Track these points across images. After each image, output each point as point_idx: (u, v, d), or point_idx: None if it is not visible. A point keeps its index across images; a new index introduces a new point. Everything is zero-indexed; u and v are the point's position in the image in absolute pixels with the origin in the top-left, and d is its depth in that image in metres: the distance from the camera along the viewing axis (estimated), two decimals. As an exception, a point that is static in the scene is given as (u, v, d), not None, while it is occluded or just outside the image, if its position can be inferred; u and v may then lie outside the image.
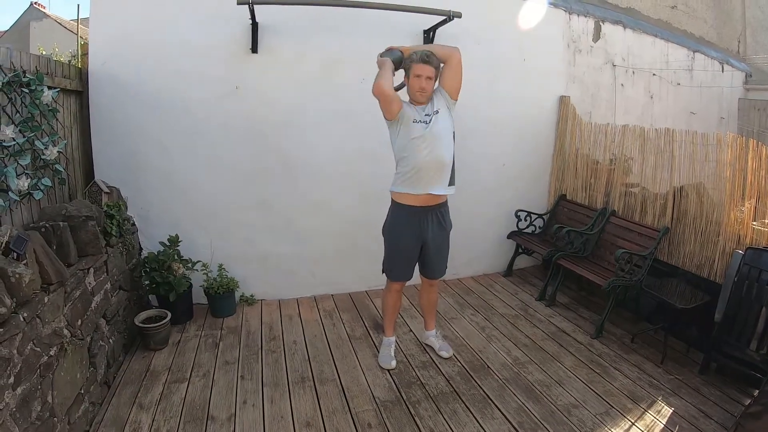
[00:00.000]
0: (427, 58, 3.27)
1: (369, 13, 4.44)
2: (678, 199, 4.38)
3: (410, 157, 3.29)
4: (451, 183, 3.42)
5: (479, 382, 3.52)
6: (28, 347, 2.27)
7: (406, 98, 3.40)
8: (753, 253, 3.55)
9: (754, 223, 3.75)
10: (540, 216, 5.78)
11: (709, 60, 7.81)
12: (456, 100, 3.39)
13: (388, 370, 3.66)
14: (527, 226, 5.74)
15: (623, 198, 5.00)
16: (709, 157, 4.16)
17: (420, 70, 3.26)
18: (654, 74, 6.80)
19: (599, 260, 4.84)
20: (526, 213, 5.70)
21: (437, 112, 3.30)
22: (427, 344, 4.03)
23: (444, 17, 4.57)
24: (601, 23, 6.09)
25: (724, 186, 3.98)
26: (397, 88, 3.33)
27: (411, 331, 4.30)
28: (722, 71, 8.10)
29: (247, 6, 4.00)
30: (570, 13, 5.78)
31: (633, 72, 6.52)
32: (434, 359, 3.84)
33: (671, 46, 7.07)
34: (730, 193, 3.91)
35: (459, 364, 3.77)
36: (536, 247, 5.38)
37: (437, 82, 3.40)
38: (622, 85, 6.41)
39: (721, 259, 3.97)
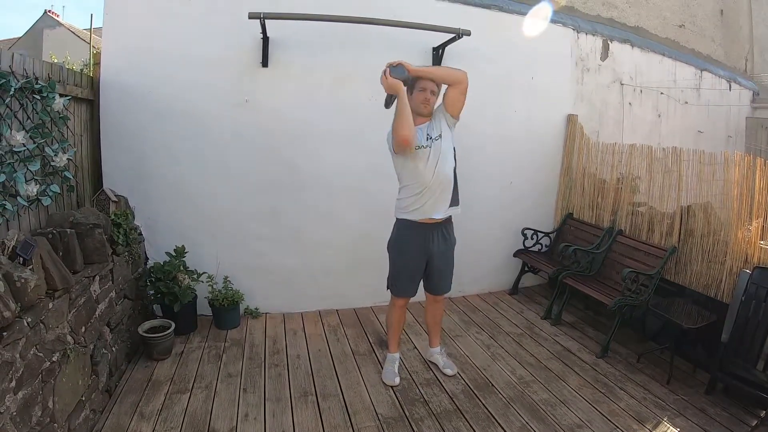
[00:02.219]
0: None
1: (379, 30, 4.49)
2: (685, 219, 4.36)
3: (414, 185, 3.37)
4: (454, 203, 3.46)
5: (483, 401, 3.48)
6: (31, 352, 2.27)
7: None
8: (760, 272, 3.53)
9: (762, 242, 3.72)
10: (546, 234, 5.76)
11: (716, 78, 7.82)
12: (458, 119, 3.42)
13: (392, 387, 3.63)
14: (534, 245, 5.72)
15: (630, 217, 4.98)
16: (717, 176, 4.15)
17: (425, 83, 3.33)
18: (662, 93, 6.80)
19: (606, 279, 4.81)
20: (533, 231, 5.68)
21: (440, 136, 3.33)
22: (431, 361, 4.00)
23: (453, 35, 4.62)
24: (609, 42, 6.12)
25: (731, 205, 3.96)
26: (388, 102, 3.34)
27: (415, 347, 4.27)
28: (730, 90, 8.10)
29: (258, 20, 4.05)
30: (578, 32, 5.82)
31: (641, 91, 6.53)
32: (438, 376, 3.81)
33: (679, 65, 7.09)
34: (738, 212, 3.88)
35: (463, 382, 3.73)
36: (542, 265, 5.35)
37: (438, 100, 3.44)
38: (629, 103, 6.42)
39: (729, 279, 3.93)
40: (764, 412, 3.23)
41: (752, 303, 3.50)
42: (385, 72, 3.21)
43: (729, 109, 8.04)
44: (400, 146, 3.21)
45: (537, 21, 5.38)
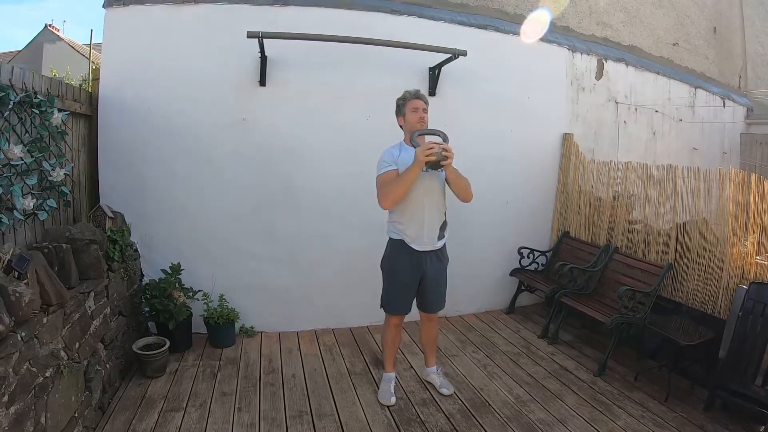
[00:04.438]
0: (418, 93, 3.47)
1: (376, 50, 4.55)
2: (681, 236, 4.37)
3: (403, 207, 3.40)
4: (441, 237, 3.52)
5: (480, 421, 3.44)
6: (24, 367, 2.26)
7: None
8: (757, 287, 3.53)
9: (758, 257, 3.74)
10: (543, 253, 5.75)
11: (710, 96, 7.88)
12: None
13: (388, 407, 3.59)
14: (530, 264, 5.70)
15: (626, 235, 4.98)
16: (712, 192, 4.18)
17: (416, 104, 3.42)
18: (656, 111, 6.87)
19: (602, 297, 4.80)
20: (529, 250, 5.68)
21: (441, 170, 3.38)
22: (427, 381, 3.96)
23: (449, 55, 4.67)
24: (604, 61, 6.20)
25: (726, 221, 3.98)
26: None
27: (411, 367, 4.23)
28: (724, 106, 8.17)
29: (256, 39, 4.10)
30: (573, 52, 5.89)
31: (635, 109, 6.59)
32: (434, 396, 3.77)
33: (673, 83, 7.15)
34: (733, 228, 3.91)
35: (460, 402, 3.69)
36: (539, 284, 5.34)
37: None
38: (624, 122, 6.47)
39: (725, 295, 3.93)
40: (763, 427, 3.20)
41: (749, 318, 3.50)
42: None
43: (723, 125, 8.09)
44: (384, 203, 3.30)
45: (533, 41, 5.46)
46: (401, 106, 3.48)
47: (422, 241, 3.42)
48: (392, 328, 3.72)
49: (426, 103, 3.47)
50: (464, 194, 3.42)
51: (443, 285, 3.67)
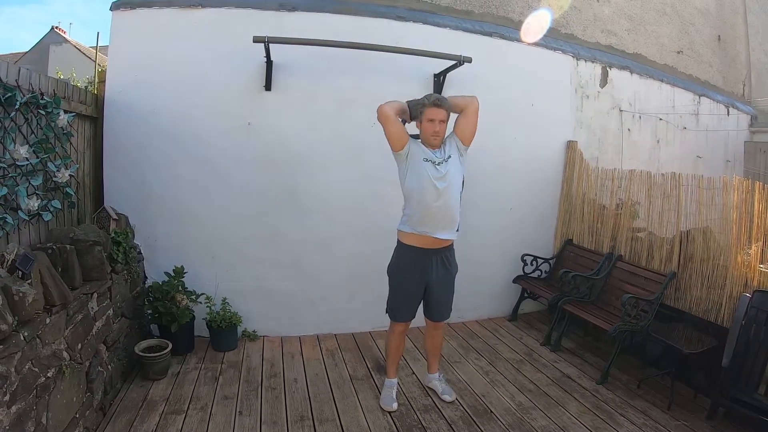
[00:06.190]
0: (439, 102, 3.33)
1: (381, 56, 4.56)
2: (685, 244, 4.36)
3: (418, 199, 3.34)
4: (457, 229, 3.46)
5: (482, 428, 3.43)
6: (27, 367, 2.27)
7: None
8: (760, 296, 3.52)
9: (762, 266, 3.73)
10: (546, 260, 5.74)
11: (714, 104, 7.86)
12: (468, 146, 3.45)
13: (390, 413, 3.58)
14: (533, 271, 5.69)
15: (630, 243, 4.97)
16: (716, 200, 4.17)
17: (433, 114, 3.29)
18: (660, 119, 6.86)
19: (605, 305, 4.78)
20: (533, 257, 5.66)
21: (449, 157, 3.35)
22: (429, 387, 3.95)
23: (454, 62, 4.68)
24: (608, 69, 6.20)
25: (730, 229, 3.97)
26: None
27: (414, 373, 4.22)
28: (728, 114, 8.15)
29: (262, 44, 4.11)
30: (578, 59, 5.89)
31: (640, 117, 6.58)
32: (436, 403, 3.76)
33: (677, 91, 7.14)
34: (737, 236, 3.90)
35: (462, 409, 3.68)
36: (542, 291, 5.33)
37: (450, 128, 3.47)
38: (628, 129, 6.46)
39: (728, 303, 3.92)
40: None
41: (753, 327, 3.49)
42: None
43: (727, 133, 8.07)
44: (379, 119, 3.36)
45: (537, 48, 5.48)
46: (420, 113, 3.36)
47: (428, 225, 3.34)
48: (397, 335, 3.71)
49: (447, 111, 3.36)
50: (465, 106, 3.43)
51: (450, 295, 3.65)
